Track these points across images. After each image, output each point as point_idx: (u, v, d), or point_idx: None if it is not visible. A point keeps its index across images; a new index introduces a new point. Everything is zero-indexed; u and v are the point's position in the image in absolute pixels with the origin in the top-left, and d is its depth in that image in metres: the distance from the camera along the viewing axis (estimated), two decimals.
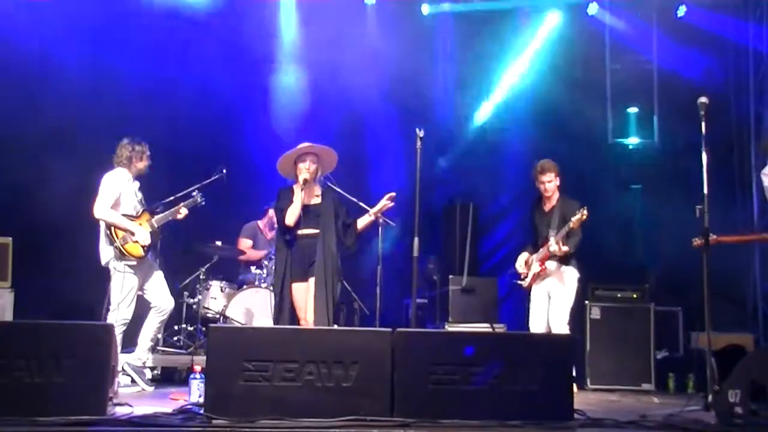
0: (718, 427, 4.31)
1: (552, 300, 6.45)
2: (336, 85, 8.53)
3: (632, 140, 9.25)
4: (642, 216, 9.07)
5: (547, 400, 4.31)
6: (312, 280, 5.66)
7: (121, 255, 5.85)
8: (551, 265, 6.43)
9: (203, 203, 6.40)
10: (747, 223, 8.70)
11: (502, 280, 7.96)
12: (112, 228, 5.87)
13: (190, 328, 7.42)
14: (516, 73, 9.26)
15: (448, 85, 9.36)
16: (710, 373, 5.02)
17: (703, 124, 5.24)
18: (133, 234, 5.89)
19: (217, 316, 7.28)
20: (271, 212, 7.83)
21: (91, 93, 8.10)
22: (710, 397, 4.86)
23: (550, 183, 6.49)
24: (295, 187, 5.76)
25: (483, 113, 9.40)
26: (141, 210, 6.07)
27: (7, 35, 7.75)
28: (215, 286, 7.49)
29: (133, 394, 5.57)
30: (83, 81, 8.10)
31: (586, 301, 7.29)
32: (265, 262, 7.56)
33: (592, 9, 9.03)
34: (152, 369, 6.54)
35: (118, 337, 5.58)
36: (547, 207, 6.57)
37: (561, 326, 6.32)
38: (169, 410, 4.34)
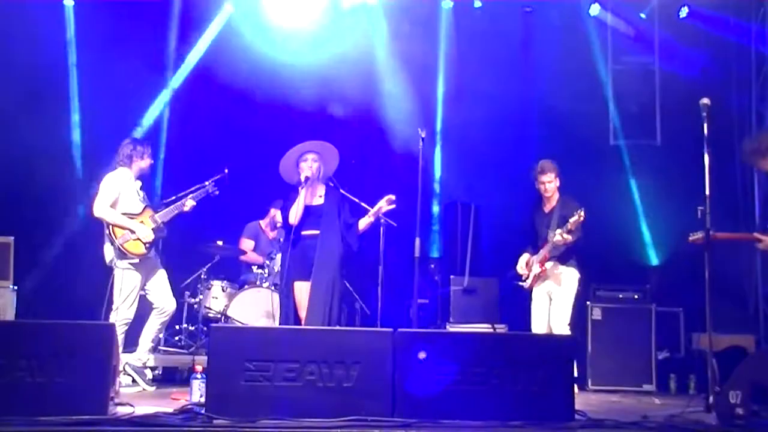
0: (719, 428, 4.31)
1: (553, 301, 6.46)
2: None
3: (634, 141, 9.24)
4: (643, 216, 9.07)
5: (548, 401, 4.31)
6: (312, 279, 5.67)
7: (122, 254, 5.86)
8: (551, 265, 6.44)
9: (217, 192, 6.37)
10: (749, 224, 8.69)
11: (503, 281, 7.95)
12: (111, 227, 5.87)
13: (192, 328, 7.43)
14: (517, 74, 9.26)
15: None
16: (711, 374, 5.01)
17: (705, 124, 5.23)
18: (133, 232, 5.89)
19: (219, 315, 7.28)
20: (273, 211, 7.85)
21: (92, 93, 8.11)
22: (711, 398, 4.86)
23: (550, 183, 6.49)
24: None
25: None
26: (142, 207, 6.07)
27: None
28: (216, 285, 7.49)
29: (134, 394, 5.57)
30: (83, 81, 8.11)
31: (588, 302, 7.28)
32: (267, 262, 7.56)
33: (594, 10, 9.02)
34: (153, 369, 6.54)
35: (120, 337, 5.59)
36: (547, 208, 6.57)
37: (562, 327, 6.32)
38: (171, 410, 4.34)
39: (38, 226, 7.52)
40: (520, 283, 6.65)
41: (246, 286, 7.44)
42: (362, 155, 7.87)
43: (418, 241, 5.49)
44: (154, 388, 6.00)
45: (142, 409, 4.41)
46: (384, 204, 5.76)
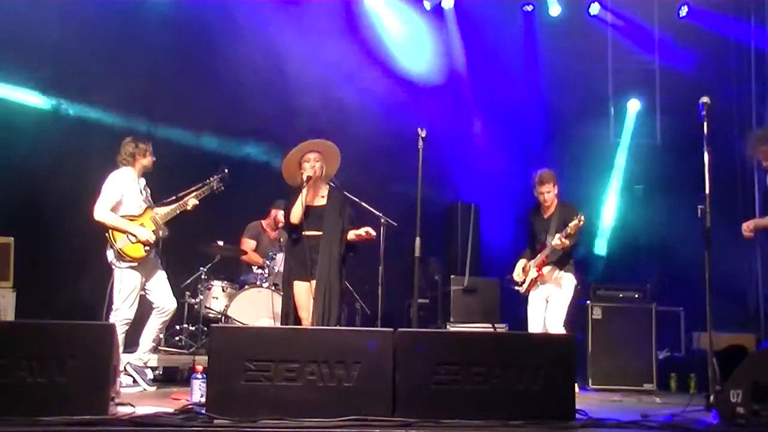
0: (720, 428, 4.30)
1: (549, 304, 6.50)
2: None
3: (634, 140, 9.25)
4: (643, 215, 9.06)
5: (549, 400, 4.31)
6: (313, 280, 5.68)
7: (121, 257, 5.85)
8: (549, 270, 6.46)
9: (222, 188, 6.34)
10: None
11: (503, 281, 7.95)
12: (110, 231, 5.86)
13: (192, 328, 7.42)
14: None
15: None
16: (712, 373, 5.01)
17: (705, 123, 5.23)
18: (133, 236, 5.88)
19: (219, 316, 7.28)
20: (275, 212, 7.85)
21: (93, 92, 8.11)
22: (712, 398, 4.86)
23: (549, 193, 6.54)
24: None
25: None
26: (145, 208, 6.07)
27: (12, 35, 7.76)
28: (217, 285, 7.49)
29: (135, 394, 5.57)
30: (83, 80, 8.11)
31: (588, 302, 7.29)
32: (267, 262, 7.56)
33: (594, 9, 9.03)
34: (154, 369, 6.54)
35: (120, 337, 5.59)
36: (546, 214, 6.61)
37: (557, 330, 6.33)
38: (171, 410, 4.34)
39: (39, 226, 7.52)
40: (517, 288, 6.67)
41: (246, 287, 7.44)
42: (362, 155, 7.87)
43: (418, 241, 5.49)
44: (154, 388, 6.00)
45: (143, 409, 4.41)
46: (364, 234, 5.74)
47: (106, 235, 5.88)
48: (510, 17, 9.23)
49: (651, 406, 5.80)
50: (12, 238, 6.92)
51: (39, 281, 7.37)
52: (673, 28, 8.94)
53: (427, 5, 9.09)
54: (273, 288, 7.15)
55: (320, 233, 5.73)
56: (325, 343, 4.31)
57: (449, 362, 4.29)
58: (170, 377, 6.85)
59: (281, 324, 5.84)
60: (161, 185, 6.46)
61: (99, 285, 6.06)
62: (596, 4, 8.99)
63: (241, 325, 6.91)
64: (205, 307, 7.34)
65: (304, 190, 5.69)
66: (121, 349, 5.50)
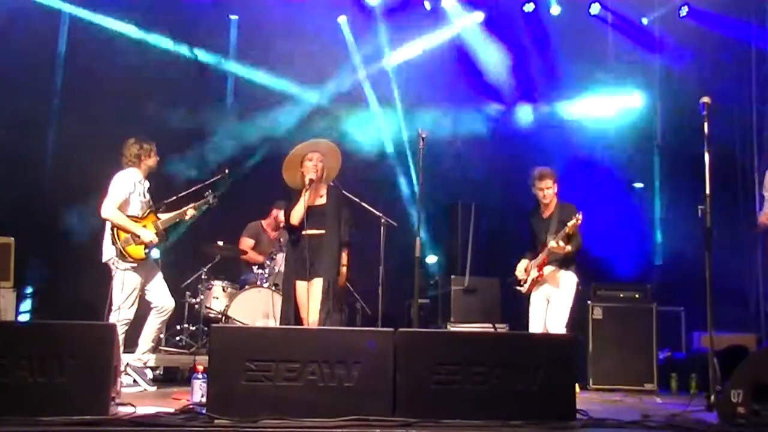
0: (720, 428, 4.30)
1: (550, 304, 6.47)
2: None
3: (634, 140, 9.24)
4: (644, 215, 9.07)
5: (550, 400, 4.31)
6: (315, 280, 5.69)
7: (122, 256, 5.86)
8: (550, 270, 6.45)
9: (216, 202, 6.38)
10: (749, 223, 8.69)
11: (503, 281, 7.95)
12: (116, 229, 5.87)
13: (193, 328, 7.43)
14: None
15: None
16: (713, 373, 5.01)
17: (705, 123, 5.23)
18: (138, 237, 5.89)
19: (219, 316, 7.28)
20: (275, 212, 7.85)
21: (92, 91, 8.12)
22: (713, 398, 4.86)
23: (548, 190, 6.50)
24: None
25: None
26: (147, 211, 6.08)
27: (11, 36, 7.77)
28: (217, 285, 7.49)
29: (135, 394, 5.57)
30: (85, 80, 8.11)
31: (589, 302, 7.28)
32: (267, 262, 7.56)
33: (595, 9, 9.03)
34: (154, 369, 6.54)
35: (121, 338, 5.59)
36: (546, 214, 6.59)
37: (558, 330, 6.32)
38: (172, 410, 4.34)
39: (39, 227, 7.52)
40: (519, 288, 6.66)
41: (247, 286, 7.44)
42: (364, 155, 7.88)
43: (418, 240, 5.49)
44: (155, 388, 6.00)
45: (144, 409, 4.41)
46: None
47: (111, 232, 5.88)
48: (510, 17, 9.23)
49: (652, 406, 5.79)
50: (12, 238, 6.92)
51: (39, 281, 7.38)
52: (673, 27, 8.93)
53: (428, 5, 9.09)
54: (273, 288, 7.15)
55: (321, 232, 5.73)
56: (326, 343, 4.30)
57: (450, 362, 4.28)
58: (171, 377, 6.86)
59: (282, 324, 5.85)
60: (163, 184, 6.47)
61: (99, 285, 6.07)
62: (596, 4, 8.98)
63: (241, 325, 6.92)
64: (206, 307, 7.34)
65: (306, 192, 5.69)
66: (121, 349, 5.51)
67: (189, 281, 7.56)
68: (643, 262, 8.99)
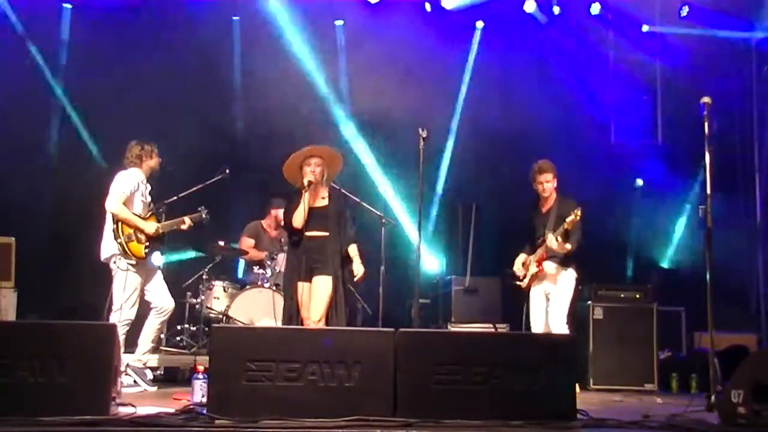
0: (721, 428, 4.30)
1: (551, 301, 6.45)
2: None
3: (635, 140, 9.24)
4: (645, 215, 9.06)
5: (550, 400, 4.31)
6: (315, 279, 5.71)
7: (123, 252, 5.86)
8: (550, 266, 6.42)
9: (208, 219, 6.42)
10: (750, 223, 8.70)
11: (504, 280, 7.94)
12: (120, 224, 5.88)
13: (193, 329, 7.43)
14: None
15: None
16: (713, 373, 5.01)
17: (706, 123, 5.23)
18: (142, 232, 5.90)
19: (220, 316, 7.28)
20: (274, 212, 7.85)
21: (92, 91, 8.12)
22: (713, 398, 4.86)
23: (548, 183, 6.47)
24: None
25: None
26: (149, 213, 6.09)
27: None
28: (218, 286, 7.49)
29: (136, 394, 5.58)
30: (85, 80, 8.12)
31: (589, 301, 7.28)
32: (268, 262, 7.56)
33: (595, 9, 9.02)
34: (155, 369, 6.55)
35: (121, 338, 5.59)
36: (545, 208, 6.56)
37: (560, 327, 6.31)
38: (172, 410, 4.34)
39: (40, 227, 7.53)
40: (518, 283, 6.64)
41: (247, 286, 7.44)
42: (366, 156, 7.88)
43: (419, 240, 5.49)
44: (155, 388, 6.00)
45: (144, 409, 4.41)
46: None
47: (113, 227, 5.87)
48: (509, 17, 9.22)
49: (652, 406, 5.79)
50: (13, 238, 6.93)
51: (40, 281, 7.38)
52: (674, 27, 8.93)
53: (428, 6, 9.08)
54: (274, 288, 7.15)
55: (323, 233, 5.78)
56: (326, 343, 4.30)
57: (450, 362, 4.28)
58: (171, 377, 6.86)
59: (282, 324, 5.86)
60: (164, 184, 6.46)
61: (99, 285, 6.08)
62: (597, 4, 8.98)
63: (242, 325, 6.92)
64: (206, 307, 7.34)
65: (306, 195, 5.72)
66: (122, 349, 5.52)
67: (190, 281, 7.55)
68: (644, 262, 8.99)
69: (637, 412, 4.85)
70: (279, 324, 6.16)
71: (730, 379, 4.43)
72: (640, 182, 9.29)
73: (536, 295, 6.54)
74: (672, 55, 8.96)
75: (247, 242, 8.00)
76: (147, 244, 5.97)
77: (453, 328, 7.55)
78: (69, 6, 8.50)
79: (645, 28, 9.12)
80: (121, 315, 5.82)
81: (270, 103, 8.23)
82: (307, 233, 5.76)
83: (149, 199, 6.15)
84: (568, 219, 6.13)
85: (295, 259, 5.79)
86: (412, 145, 5.68)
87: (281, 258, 7.27)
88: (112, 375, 4.18)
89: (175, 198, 6.38)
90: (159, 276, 6.18)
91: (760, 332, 8.13)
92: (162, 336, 6.66)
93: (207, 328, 7.03)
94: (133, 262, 5.90)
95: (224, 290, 7.48)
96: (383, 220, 6.69)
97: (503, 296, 7.78)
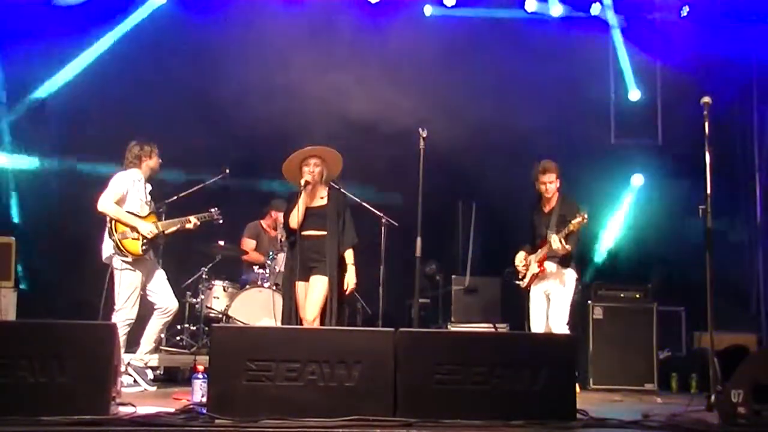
0: (721, 428, 4.30)
1: (551, 301, 6.46)
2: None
3: (635, 140, 9.24)
4: (645, 216, 9.06)
5: (550, 400, 4.31)
6: (312, 279, 5.72)
7: (119, 250, 5.85)
8: (550, 266, 6.43)
9: (220, 221, 6.42)
10: (750, 223, 8.70)
11: (504, 280, 7.94)
12: (114, 222, 5.88)
13: (193, 328, 7.43)
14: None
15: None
16: (713, 373, 5.01)
17: (706, 123, 5.23)
18: (134, 230, 5.89)
19: (220, 315, 7.28)
20: (274, 213, 7.86)
21: (94, 92, 8.12)
22: (713, 397, 4.86)
23: (551, 184, 6.47)
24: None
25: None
26: (148, 212, 6.08)
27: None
28: (218, 285, 7.49)
29: (136, 393, 5.58)
30: (84, 81, 8.11)
31: (589, 301, 7.28)
32: (268, 262, 7.56)
33: (595, 9, 9.02)
34: (155, 369, 6.55)
35: (122, 338, 5.59)
36: (547, 208, 6.56)
37: (561, 327, 6.32)
38: (172, 410, 4.34)
39: (40, 227, 7.53)
40: (518, 282, 6.65)
41: (247, 286, 7.44)
42: (365, 155, 7.87)
43: (419, 240, 5.49)
44: (155, 388, 6.00)
45: (144, 409, 4.41)
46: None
47: (108, 226, 5.88)
48: (509, 16, 9.22)
49: (652, 405, 5.79)
50: (13, 238, 6.93)
51: (40, 281, 7.38)
52: (674, 27, 8.92)
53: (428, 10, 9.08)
54: (274, 288, 7.15)
55: (321, 233, 5.79)
56: (326, 343, 4.31)
57: (450, 362, 4.28)
58: (171, 377, 6.86)
59: (282, 324, 5.86)
60: (164, 184, 6.47)
61: (99, 285, 6.07)
62: (597, 4, 8.98)
63: (242, 324, 6.92)
64: (207, 306, 7.34)
65: (303, 195, 5.73)
66: (123, 349, 5.52)
67: (190, 281, 7.56)
68: (645, 262, 8.98)
69: (637, 412, 4.85)
70: (279, 324, 6.16)
71: (730, 379, 4.43)
72: (638, 181, 9.29)
73: (536, 295, 6.55)
74: (672, 55, 8.95)
75: (248, 243, 8.01)
76: (144, 240, 5.96)
77: (453, 328, 7.55)
78: None
79: (648, 19, 9.12)
80: (122, 315, 5.82)
81: (270, 103, 8.22)
82: (305, 232, 5.77)
83: (149, 198, 6.15)
84: (574, 221, 6.11)
85: (293, 259, 5.80)
86: (412, 145, 5.67)
87: (281, 258, 7.27)
88: (112, 375, 4.18)
89: (175, 198, 6.38)
90: (162, 276, 6.17)
91: (760, 332, 8.13)
92: (162, 336, 6.66)
93: (207, 328, 7.03)
94: (129, 259, 5.89)
95: (224, 290, 7.48)
96: (383, 220, 6.69)
97: (503, 296, 7.78)
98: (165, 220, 6.20)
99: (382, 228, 6.64)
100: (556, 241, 6.21)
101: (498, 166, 9.04)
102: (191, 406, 4.41)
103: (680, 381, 7.22)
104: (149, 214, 6.08)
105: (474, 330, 7.30)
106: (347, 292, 5.86)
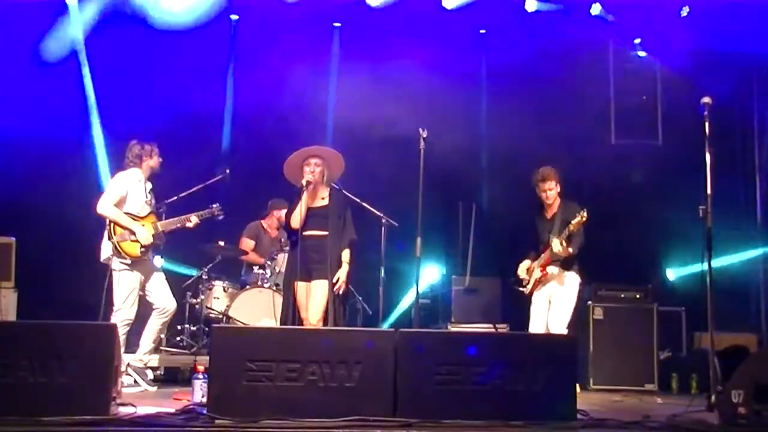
0: (721, 428, 4.30)
1: (552, 304, 6.44)
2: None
3: (636, 141, 9.23)
4: (645, 216, 9.05)
5: (551, 401, 4.31)
6: (313, 283, 5.73)
7: (117, 252, 5.86)
8: (553, 269, 6.43)
9: (221, 216, 6.41)
10: (750, 223, 8.70)
11: (505, 282, 7.94)
12: (112, 224, 5.88)
13: (193, 329, 7.43)
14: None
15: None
16: (713, 373, 5.01)
17: (706, 124, 5.23)
18: (133, 233, 5.89)
19: (220, 316, 7.28)
20: (276, 212, 7.85)
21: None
22: (713, 398, 4.86)
23: (551, 191, 6.48)
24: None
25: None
26: (148, 211, 6.08)
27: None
28: (218, 286, 7.49)
29: (136, 394, 5.58)
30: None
31: (589, 302, 7.28)
32: (268, 262, 7.56)
33: (595, 9, 9.02)
34: (155, 369, 6.55)
35: (122, 338, 5.59)
36: (549, 214, 6.56)
37: (560, 330, 6.30)
38: (173, 410, 4.34)
39: (40, 227, 7.52)
40: (521, 289, 6.64)
41: (247, 287, 7.44)
42: (365, 155, 7.87)
43: (419, 240, 5.49)
44: (155, 388, 6.00)
45: (144, 409, 4.41)
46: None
47: (108, 228, 5.88)
48: (509, 17, 9.21)
49: (652, 406, 5.79)
50: (13, 238, 6.92)
51: (40, 281, 7.37)
52: (674, 27, 8.92)
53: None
54: (274, 288, 7.15)
55: (322, 233, 5.80)
56: (327, 343, 4.30)
57: (451, 362, 4.29)
58: (172, 377, 6.87)
59: (282, 324, 5.86)
60: (164, 184, 6.46)
61: (99, 285, 6.07)
62: (597, 4, 8.97)
63: (242, 325, 6.92)
64: (207, 307, 7.34)
65: (304, 195, 5.73)
66: (122, 349, 5.52)
67: (190, 281, 7.55)
68: (644, 262, 8.98)
69: (638, 412, 4.86)
70: (279, 324, 6.16)
71: (730, 379, 4.43)
72: (639, 177, 9.28)
73: (538, 298, 6.53)
74: (672, 56, 8.95)
75: (247, 243, 8.00)
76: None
77: (453, 328, 7.55)
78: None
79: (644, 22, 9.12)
80: (121, 315, 5.83)
81: (271, 104, 8.23)
82: (306, 232, 5.77)
83: (149, 197, 6.15)
84: (574, 221, 6.11)
85: (295, 260, 5.80)
86: (411, 144, 5.67)
87: (281, 258, 7.27)
88: (112, 375, 4.18)
89: (175, 198, 6.38)
90: (161, 277, 6.18)
91: (760, 332, 8.13)
92: (162, 336, 6.66)
93: (207, 328, 7.03)
94: (128, 261, 5.90)
95: (224, 290, 7.48)
96: (383, 221, 6.69)
97: (503, 296, 7.77)
98: (165, 219, 6.19)
99: (382, 228, 6.64)
100: (557, 245, 6.21)
101: (498, 167, 9.06)
102: (191, 407, 4.41)
103: (680, 381, 7.21)
104: (149, 214, 6.08)
105: (474, 330, 7.30)
106: (335, 289, 5.77)
